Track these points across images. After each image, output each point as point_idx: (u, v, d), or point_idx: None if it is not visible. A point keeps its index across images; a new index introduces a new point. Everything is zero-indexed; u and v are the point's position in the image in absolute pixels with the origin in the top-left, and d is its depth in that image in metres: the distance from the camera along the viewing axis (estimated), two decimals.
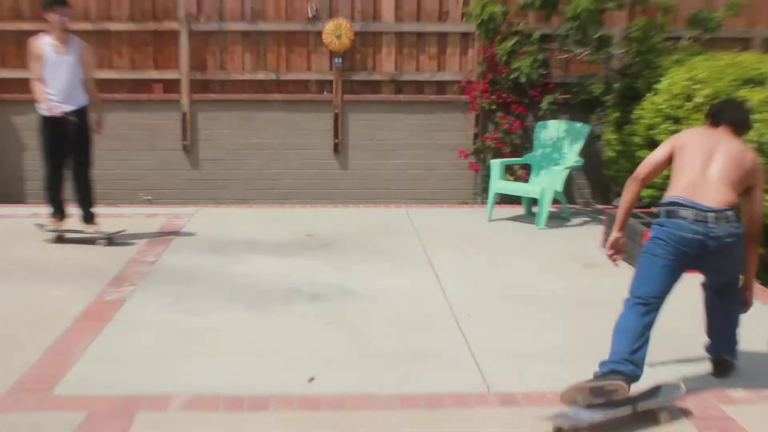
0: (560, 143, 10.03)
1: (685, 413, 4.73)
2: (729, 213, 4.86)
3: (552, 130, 10.16)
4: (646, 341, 4.83)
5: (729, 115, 5.25)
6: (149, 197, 10.76)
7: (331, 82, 10.85)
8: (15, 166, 10.82)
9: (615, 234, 5.26)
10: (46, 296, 6.69)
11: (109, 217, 9.68)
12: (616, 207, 9.58)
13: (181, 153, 10.86)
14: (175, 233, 8.91)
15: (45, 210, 8.62)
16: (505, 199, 10.56)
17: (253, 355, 5.56)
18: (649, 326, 4.86)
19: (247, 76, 10.84)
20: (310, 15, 10.69)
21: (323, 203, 10.81)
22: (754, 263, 5.10)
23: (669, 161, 5.14)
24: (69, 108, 8.13)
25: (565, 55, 10.39)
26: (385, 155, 10.97)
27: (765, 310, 6.63)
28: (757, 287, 7.17)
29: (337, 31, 10.64)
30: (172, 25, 10.70)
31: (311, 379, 5.13)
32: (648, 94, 9.07)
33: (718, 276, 5.16)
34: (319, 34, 10.72)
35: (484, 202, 10.32)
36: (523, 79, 10.19)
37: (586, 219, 9.98)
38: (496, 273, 7.63)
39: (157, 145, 10.81)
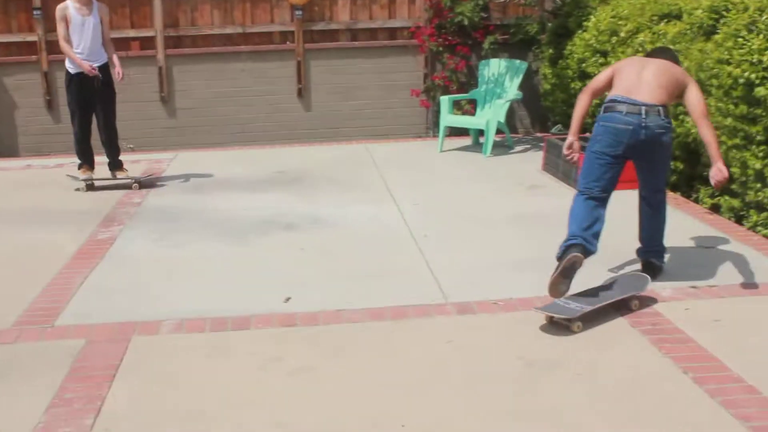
0: (501, 79, 9.97)
1: (620, 311, 4.78)
2: (660, 108, 4.97)
3: (494, 67, 10.09)
4: (596, 220, 4.99)
5: (660, 53, 5.38)
6: (132, 145, 10.58)
7: (293, 32, 10.66)
8: (8, 122, 10.57)
9: (570, 138, 5.29)
10: (44, 238, 6.59)
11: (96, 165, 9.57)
12: (554, 134, 9.63)
13: (159, 104, 10.67)
14: (158, 176, 8.80)
15: (75, 161, 8.49)
16: (455, 132, 10.51)
17: (234, 280, 5.53)
18: (595, 209, 5.01)
19: (216, 31, 10.62)
20: None
21: (290, 143, 10.70)
22: (713, 136, 5.00)
23: (611, 82, 5.19)
24: (96, 64, 8.06)
25: (502, 0, 10.30)
26: (345, 97, 10.84)
27: (685, 218, 6.69)
28: (678, 198, 7.26)
29: None
30: None
31: (287, 299, 5.12)
32: (578, 32, 9.03)
33: (650, 174, 5.21)
34: None
35: (436, 136, 10.27)
36: (465, 23, 10.09)
37: (527, 146, 9.97)
38: (448, 197, 7.62)
39: (137, 97, 10.57)
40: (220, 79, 10.68)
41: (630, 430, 3.55)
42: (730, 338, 4.41)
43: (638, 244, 5.45)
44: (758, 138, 6.07)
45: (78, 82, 8.05)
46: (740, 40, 6.12)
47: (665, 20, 7.52)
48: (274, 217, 6.99)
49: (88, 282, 5.54)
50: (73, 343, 4.55)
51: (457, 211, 7.10)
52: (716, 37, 6.50)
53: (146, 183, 8.38)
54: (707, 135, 4.96)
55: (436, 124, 10.31)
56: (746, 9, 6.33)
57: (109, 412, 3.78)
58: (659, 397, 3.81)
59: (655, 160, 5.14)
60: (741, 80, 6.02)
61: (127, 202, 7.68)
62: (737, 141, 6.24)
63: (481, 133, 9.76)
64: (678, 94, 5.09)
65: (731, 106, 6.21)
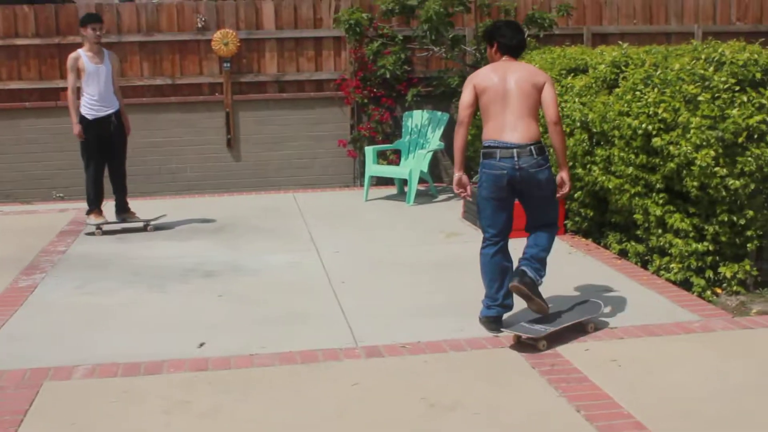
0: (424, 130, 10.18)
1: (522, 353, 4.92)
2: (533, 147, 5.09)
3: (417, 119, 10.30)
4: (504, 278, 5.25)
5: (505, 42, 5.30)
6: (61, 194, 10.55)
7: (221, 84, 10.77)
8: None
9: (457, 174, 5.35)
10: None
11: (23, 214, 9.52)
12: (474, 183, 9.83)
13: None
14: (85, 225, 8.76)
15: (85, 207, 8.55)
16: (381, 181, 10.71)
17: (151, 326, 5.55)
18: (499, 264, 5.27)
19: (145, 82, 10.68)
20: (198, 26, 10.60)
21: (220, 192, 10.76)
22: (561, 143, 5.22)
23: (476, 99, 5.22)
24: (109, 111, 8.23)
25: (425, 53, 10.55)
26: (273, 147, 10.95)
27: (593, 263, 6.89)
28: (589, 243, 7.47)
29: (224, 39, 10.56)
30: (76, 39, 10.45)
31: (201, 344, 5.16)
32: None
33: (539, 212, 5.32)
34: (209, 42, 10.63)
35: (362, 185, 10.42)
36: (387, 75, 10.29)
37: (450, 195, 10.16)
38: (369, 245, 7.74)
39: (66, 147, 10.53)
40: (150, 129, 10.71)
41: None
42: (625, 378, 4.56)
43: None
44: (658, 186, 6.33)
45: (96, 128, 8.19)
46: (638, 93, 6.40)
47: (572, 74, 7.80)
48: (196, 265, 7.02)
49: (3, 329, 5.51)
50: None
51: (376, 258, 7.22)
52: (617, 90, 6.78)
53: (158, 225, 8.53)
54: (556, 142, 5.20)
55: (363, 173, 10.46)
56: (643, 64, 6.63)
57: None
58: None
59: (538, 200, 5.29)
60: (639, 131, 6.28)
61: (51, 251, 7.65)
62: (639, 189, 6.48)
63: (405, 182, 9.93)
64: (539, 98, 5.22)
65: (632, 156, 6.46)
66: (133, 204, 8.74)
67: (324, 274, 6.75)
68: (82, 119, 8.20)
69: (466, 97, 5.23)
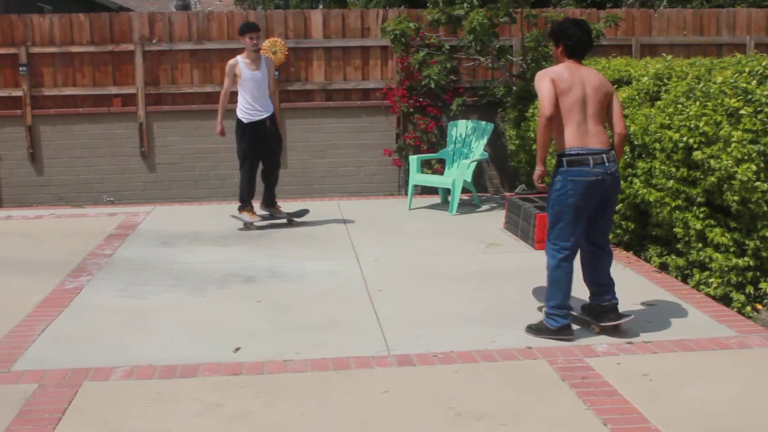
0: (469, 140, 10.21)
1: (553, 366, 4.93)
2: (614, 153, 5.32)
3: (462, 128, 10.34)
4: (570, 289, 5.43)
5: (571, 46, 5.33)
6: (111, 198, 10.79)
7: None
8: None
9: (539, 168, 5.36)
10: (15, 287, 6.74)
11: (74, 217, 9.76)
12: (516, 194, 9.84)
13: (138, 158, 10.88)
14: (132, 229, 8.96)
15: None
16: (425, 190, 10.78)
17: (189, 330, 5.67)
18: (571, 275, 5.38)
19: (195, 89, 10.88)
20: None
21: None
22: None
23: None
24: (265, 115, 8.65)
25: (471, 63, 10.60)
26: (319, 155, 11.08)
27: (633, 276, 6.86)
28: (630, 256, 7.43)
29: (273, 48, 10.72)
30: (128, 47, 10.71)
31: (237, 349, 5.25)
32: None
33: (608, 217, 5.47)
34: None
35: (406, 194, 10.48)
36: (433, 85, 10.34)
37: (494, 205, 10.17)
38: (410, 253, 7.78)
39: (117, 152, 10.83)
40: (199, 135, 10.92)
41: None
42: (655, 392, 4.54)
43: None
44: (699, 199, 6.28)
45: (252, 131, 8.62)
46: (680, 106, 6.36)
47: (616, 86, 7.77)
48: (237, 271, 7.14)
49: (48, 330, 5.67)
50: (26, 387, 4.67)
51: (415, 267, 7.26)
52: (659, 102, 6.74)
53: (297, 214, 9.16)
54: (620, 153, 5.44)
55: (407, 182, 10.52)
56: (686, 76, 6.58)
57: None
58: None
59: (611, 205, 5.47)
60: (681, 144, 6.24)
61: (98, 254, 7.83)
62: (680, 202, 6.44)
63: (449, 191, 9.96)
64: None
65: (673, 169, 6.42)
66: (179, 209, 8.94)
67: (362, 281, 6.82)
68: (239, 122, 8.66)
69: (550, 91, 5.15)
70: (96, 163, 10.84)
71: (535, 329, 5.45)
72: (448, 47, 10.62)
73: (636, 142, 6.85)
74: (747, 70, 6.08)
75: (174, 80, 10.84)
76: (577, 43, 5.33)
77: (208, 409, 4.37)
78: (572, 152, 5.20)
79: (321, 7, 18.50)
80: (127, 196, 10.86)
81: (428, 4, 9.93)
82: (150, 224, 9.24)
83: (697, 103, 6.17)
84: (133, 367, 4.96)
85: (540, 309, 5.83)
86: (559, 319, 5.35)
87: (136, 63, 10.71)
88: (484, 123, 10.19)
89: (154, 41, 10.72)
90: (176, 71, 10.83)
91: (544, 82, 5.21)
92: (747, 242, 5.97)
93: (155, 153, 10.91)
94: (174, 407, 4.41)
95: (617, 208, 7.38)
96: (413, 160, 10.06)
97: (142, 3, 27.01)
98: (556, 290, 5.36)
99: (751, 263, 6.00)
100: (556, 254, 5.34)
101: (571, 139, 5.21)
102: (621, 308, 5.58)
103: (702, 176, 6.17)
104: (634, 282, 6.70)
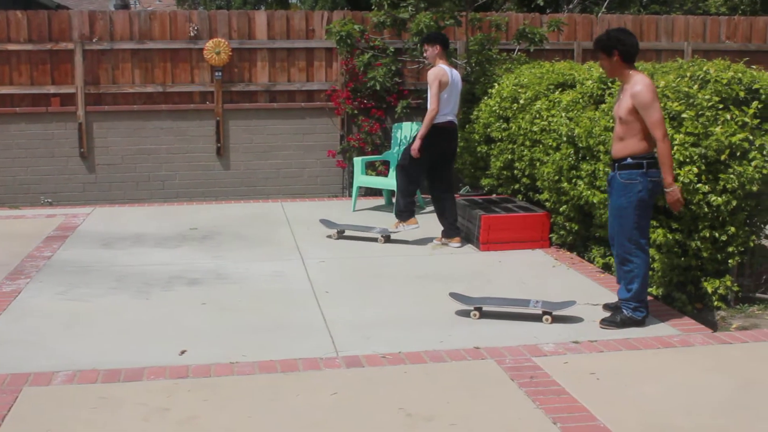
0: (413, 142, 10.18)
1: (502, 366, 4.94)
2: None
3: (406, 130, 10.33)
4: None
5: (634, 55, 5.56)
6: (50, 200, 10.55)
7: (212, 93, 10.79)
8: None
9: (673, 186, 5.50)
10: None
11: (10, 219, 9.52)
12: (461, 195, 9.87)
13: (78, 159, 10.65)
14: (72, 231, 8.77)
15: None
16: (370, 192, 10.75)
17: (133, 333, 5.56)
18: None
19: (137, 89, 10.69)
20: (191, 34, 10.63)
21: (209, 200, 10.78)
22: None
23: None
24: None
25: (416, 66, 10.61)
26: (263, 156, 10.98)
27: (577, 276, 6.92)
28: (574, 257, 7.51)
29: (216, 48, 10.60)
30: (68, 45, 10.49)
31: (183, 352, 5.16)
32: (484, 98, 9.34)
33: None
34: (201, 50, 10.66)
35: (350, 195, 10.44)
36: (377, 87, 10.33)
37: None
38: (355, 255, 7.75)
39: (56, 153, 10.59)
40: (140, 136, 10.73)
41: None
42: (602, 390, 4.58)
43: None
44: None
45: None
46: None
47: (560, 89, 7.85)
48: (181, 273, 7.03)
49: None
50: None
51: (362, 269, 7.23)
52: (603, 106, 6.82)
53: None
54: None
55: (351, 184, 10.48)
56: None
57: None
58: None
59: None
60: None
61: (37, 256, 7.64)
62: None
63: (393, 193, 9.94)
64: None
65: None
66: (120, 210, 8.75)
67: (308, 283, 6.76)
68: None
69: (661, 111, 5.47)
70: (34, 164, 10.58)
71: (620, 322, 5.64)
72: (392, 50, 10.62)
73: (580, 145, 6.91)
74: (689, 74, 6.19)
75: (115, 80, 10.64)
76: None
77: (155, 414, 4.28)
78: (651, 156, 5.48)
79: (264, 8, 18.34)
80: (66, 198, 10.62)
81: (373, 7, 9.92)
82: (90, 226, 9.05)
83: None
84: (75, 371, 4.84)
85: (608, 306, 5.98)
86: (645, 310, 5.68)
87: (75, 62, 10.48)
88: None
89: (94, 40, 10.51)
90: (117, 71, 10.63)
91: (657, 103, 5.43)
92: (688, 243, 6.06)
93: (95, 154, 10.69)
94: (119, 412, 4.31)
95: (561, 209, 7.45)
96: (358, 161, 10.03)
97: (80, 2, 26.54)
98: (645, 287, 5.67)
99: (693, 263, 6.11)
100: (641, 253, 5.60)
101: (650, 144, 5.48)
102: (571, 311, 5.70)
103: None
104: (577, 282, 6.77)
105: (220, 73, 10.69)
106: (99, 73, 10.60)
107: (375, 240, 8.23)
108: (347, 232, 8.39)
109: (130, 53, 10.64)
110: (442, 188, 8.16)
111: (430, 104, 7.87)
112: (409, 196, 8.18)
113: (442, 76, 7.85)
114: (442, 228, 8.17)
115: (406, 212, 8.15)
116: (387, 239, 8.23)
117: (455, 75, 8.04)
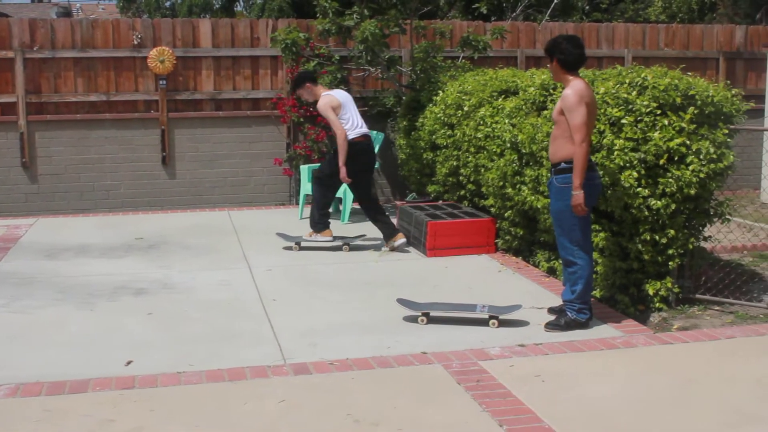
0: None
1: (448, 369, 4.98)
2: None
3: None
4: None
5: (573, 63, 5.64)
6: None
7: (157, 101, 10.71)
8: None
9: (579, 190, 5.52)
10: None
11: None
12: (408, 202, 9.92)
13: (19, 169, 10.48)
14: (14, 242, 8.62)
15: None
16: None
17: (78, 344, 5.49)
18: None
19: (79, 98, 10.56)
20: (135, 43, 10.54)
21: (154, 210, 10.68)
22: None
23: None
24: None
25: (361, 74, 10.65)
26: (209, 165, 10.91)
27: (522, 280, 7.00)
28: (519, 262, 7.59)
29: (160, 57, 10.52)
30: (8, 54, 10.33)
31: (129, 362, 5.12)
32: (429, 105, 9.40)
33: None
34: (145, 59, 10.57)
35: (298, 203, 10.43)
36: None
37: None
38: (303, 263, 7.74)
39: None
40: (84, 145, 10.60)
41: None
42: (547, 392, 4.65)
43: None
44: None
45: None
46: None
47: (503, 96, 7.94)
48: (127, 283, 6.96)
49: None
50: None
51: (309, 277, 7.23)
52: (545, 112, 6.92)
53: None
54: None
55: (299, 192, 10.48)
56: None
57: None
58: None
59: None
60: None
61: None
62: None
63: (340, 201, 9.96)
64: None
65: None
66: (63, 221, 8.63)
67: (255, 291, 6.74)
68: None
69: (586, 115, 5.49)
70: None
71: (564, 325, 5.71)
72: (338, 57, 10.66)
73: (524, 151, 7.00)
74: (627, 81, 6.31)
75: (57, 89, 10.50)
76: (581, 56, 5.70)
77: (100, 426, 4.23)
78: (590, 160, 5.65)
79: (209, 17, 18.26)
80: (8, 209, 10.44)
81: (318, 15, 9.93)
82: (33, 237, 8.91)
83: None
84: (18, 384, 4.76)
85: (553, 309, 6.04)
86: (589, 312, 5.77)
87: (16, 70, 10.33)
88: (374, 132, 10.22)
89: (35, 48, 10.36)
90: (59, 79, 10.49)
91: (582, 107, 5.47)
92: (630, 246, 6.18)
93: (38, 163, 10.53)
94: (64, 425, 4.25)
95: (506, 214, 7.53)
96: (304, 169, 10.03)
97: (20, 9, 26.13)
98: (589, 290, 5.75)
99: (634, 266, 6.22)
100: (584, 254, 5.68)
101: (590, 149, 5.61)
102: (517, 315, 5.77)
103: None
104: (523, 287, 6.85)
105: (164, 82, 10.61)
106: (41, 81, 10.45)
107: (327, 249, 8.21)
108: (303, 244, 8.34)
109: (73, 62, 10.52)
110: (366, 197, 8.34)
111: (336, 130, 7.96)
112: (323, 208, 8.32)
113: (330, 102, 8.03)
114: (381, 234, 8.22)
115: (320, 224, 8.27)
116: (350, 248, 8.26)
117: (341, 94, 8.25)
